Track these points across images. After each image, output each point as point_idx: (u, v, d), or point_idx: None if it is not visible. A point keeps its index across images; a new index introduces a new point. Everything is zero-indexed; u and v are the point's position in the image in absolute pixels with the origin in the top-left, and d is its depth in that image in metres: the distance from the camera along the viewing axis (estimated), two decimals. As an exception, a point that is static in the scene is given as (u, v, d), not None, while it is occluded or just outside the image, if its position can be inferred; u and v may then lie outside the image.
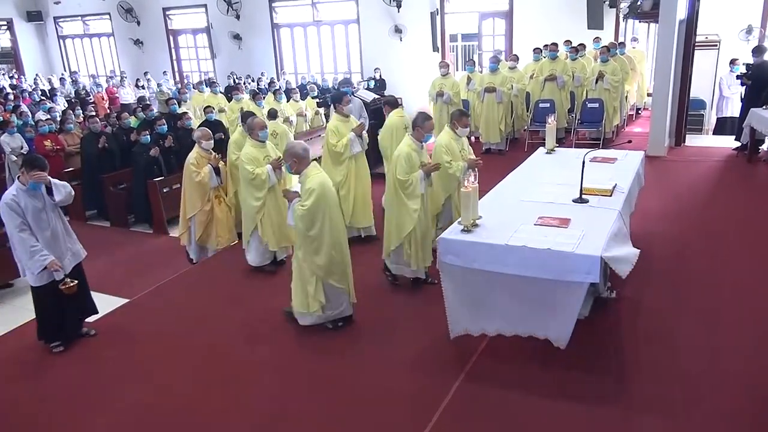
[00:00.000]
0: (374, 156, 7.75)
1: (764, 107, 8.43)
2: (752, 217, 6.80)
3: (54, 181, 4.75)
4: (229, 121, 11.01)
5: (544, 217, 4.38)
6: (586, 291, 3.95)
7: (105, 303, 5.66)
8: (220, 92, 12.70)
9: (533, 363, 4.28)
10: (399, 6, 13.99)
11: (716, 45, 11.34)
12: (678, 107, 9.82)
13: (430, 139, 5.49)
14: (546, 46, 10.62)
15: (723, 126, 11.04)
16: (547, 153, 6.33)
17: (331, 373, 4.47)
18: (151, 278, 6.32)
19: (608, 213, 4.46)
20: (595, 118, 10.00)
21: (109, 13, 18.40)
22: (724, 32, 11.75)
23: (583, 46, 11.04)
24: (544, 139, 6.54)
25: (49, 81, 17.18)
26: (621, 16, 12.43)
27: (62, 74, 18.44)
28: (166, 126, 8.66)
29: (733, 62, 10.62)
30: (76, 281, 4.76)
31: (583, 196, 4.71)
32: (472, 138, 11.24)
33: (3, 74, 18.02)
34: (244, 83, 14.32)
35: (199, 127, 9.18)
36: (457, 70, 14.49)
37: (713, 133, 11.30)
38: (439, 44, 13.95)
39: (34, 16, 19.39)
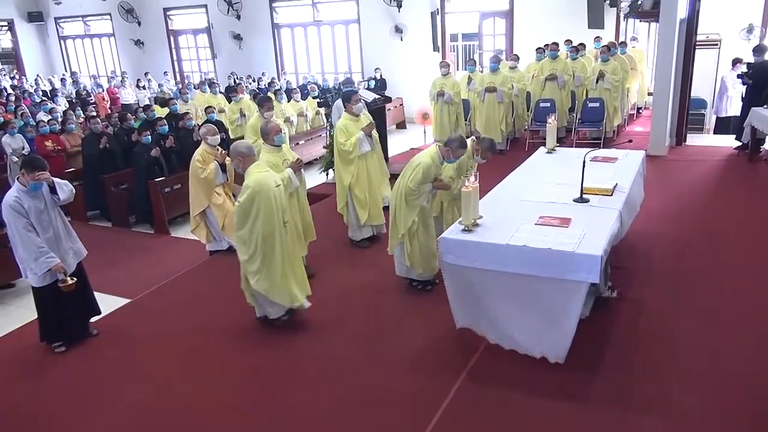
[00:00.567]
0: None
1: (765, 106, 8.42)
2: (753, 216, 6.80)
3: (56, 180, 4.76)
4: (229, 122, 11.04)
5: (545, 216, 4.39)
6: (586, 292, 3.96)
7: (106, 303, 5.66)
8: (220, 92, 12.71)
9: (534, 363, 4.28)
10: (399, 6, 13.98)
11: (717, 44, 11.33)
12: (679, 106, 9.81)
13: (453, 162, 5.34)
14: (547, 45, 10.61)
15: (724, 125, 11.03)
16: (547, 152, 6.33)
17: (332, 373, 4.47)
18: (152, 278, 6.33)
19: (609, 212, 4.46)
20: (595, 118, 10.00)
21: (109, 14, 18.40)
22: (725, 31, 11.73)
23: (583, 45, 11.03)
24: (545, 139, 6.54)
25: (50, 81, 17.19)
26: (621, 15, 12.42)
27: (63, 75, 18.45)
28: (167, 126, 8.67)
29: (735, 63, 10.59)
30: (75, 279, 4.77)
31: (584, 196, 4.71)
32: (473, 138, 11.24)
33: (4, 75, 18.02)
34: (245, 84, 14.30)
35: (200, 127, 9.23)
36: (457, 69, 14.49)
37: (714, 133, 11.29)
38: (439, 44, 13.94)
39: (35, 17, 19.40)
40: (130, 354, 4.98)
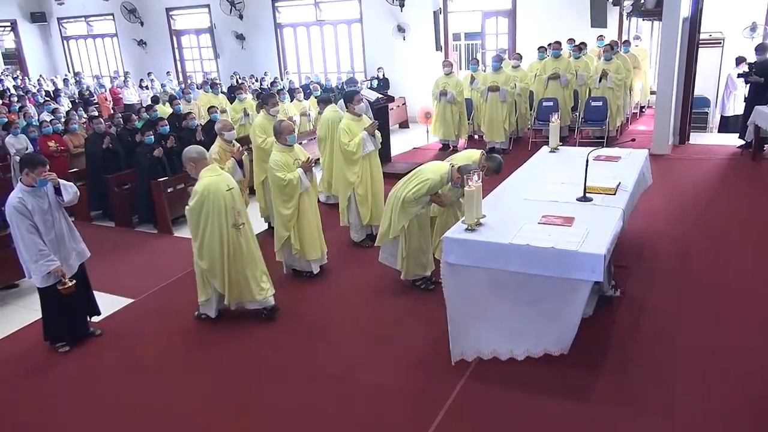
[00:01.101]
0: (379, 155, 7.73)
1: (769, 105, 8.41)
2: (756, 215, 6.78)
3: (62, 181, 4.77)
4: (232, 121, 11.02)
5: (548, 215, 4.38)
6: (590, 290, 3.95)
7: (109, 303, 5.68)
8: (222, 93, 12.71)
9: (537, 362, 4.28)
10: (402, 5, 13.97)
11: (720, 43, 11.31)
12: (682, 105, 9.79)
13: (458, 188, 5.25)
14: (550, 44, 10.60)
15: (727, 124, 10.99)
16: (550, 151, 6.32)
17: (334, 372, 4.48)
18: (155, 279, 6.33)
19: (612, 211, 4.45)
20: (598, 117, 9.99)
21: (112, 14, 18.41)
22: (728, 30, 11.71)
23: (585, 44, 11.01)
24: (548, 138, 6.53)
25: (53, 82, 17.22)
26: (624, 14, 12.39)
27: (66, 75, 18.48)
28: (168, 126, 8.66)
29: (740, 61, 10.55)
30: (74, 281, 4.76)
31: (587, 195, 4.70)
32: (476, 137, 11.26)
33: (7, 75, 18.06)
34: (248, 83, 14.30)
35: (203, 127, 9.23)
36: (460, 69, 14.48)
37: (719, 131, 11.26)
38: (442, 43, 13.93)
39: (38, 17, 19.43)
40: (132, 354, 4.99)
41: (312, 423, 3.98)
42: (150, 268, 6.82)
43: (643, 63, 12.16)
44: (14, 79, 17.81)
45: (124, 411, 4.24)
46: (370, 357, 4.64)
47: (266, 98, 7.58)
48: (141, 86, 15.67)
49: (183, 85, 15.07)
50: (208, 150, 6.77)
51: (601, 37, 11.61)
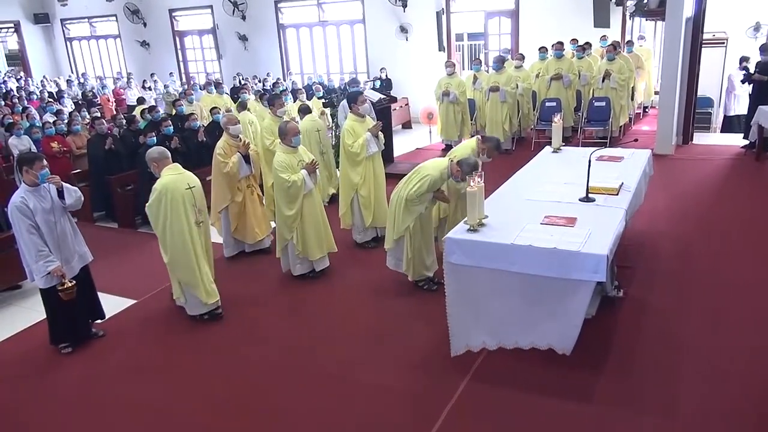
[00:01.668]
0: (382, 156, 7.72)
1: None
2: (760, 216, 6.76)
3: (66, 185, 4.80)
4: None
5: (551, 216, 4.37)
6: (592, 291, 3.94)
7: (112, 304, 5.69)
8: (226, 93, 12.72)
9: (540, 363, 4.27)
10: (405, 6, 13.97)
11: (724, 42, 11.28)
12: (685, 105, 9.76)
13: (458, 182, 5.26)
14: (553, 45, 10.57)
15: (732, 124, 10.97)
16: (553, 152, 6.31)
17: (336, 372, 4.47)
18: (157, 280, 6.32)
19: (615, 212, 4.43)
20: (601, 117, 9.97)
21: (115, 15, 18.46)
22: (732, 29, 11.67)
23: (589, 44, 10.99)
24: (551, 138, 6.51)
25: (56, 83, 17.26)
26: (628, 14, 12.37)
27: (69, 76, 18.53)
28: (171, 127, 8.67)
29: (742, 60, 10.53)
30: (75, 283, 4.75)
31: (590, 195, 4.69)
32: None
33: (10, 76, 18.11)
34: (251, 84, 14.32)
35: (205, 128, 9.23)
36: (463, 69, 14.47)
37: (722, 131, 11.23)
38: (445, 44, 13.92)
39: (41, 18, 19.49)
40: (135, 355, 4.99)
41: (314, 423, 3.97)
42: (152, 269, 6.80)
43: (647, 63, 12.13)
44: (17, 80, 17.86)
45: (126, 411, 4.24)
46: (372, 357, 4.64)
47: (273, 100, 7.57)
48: (144, 87, 15.70)
49: (186, 86, 15.09)
50: (212, 149, 6.80)
51: (604, 38, 11.59)
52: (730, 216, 6.82)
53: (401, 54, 14.44)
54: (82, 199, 4.94)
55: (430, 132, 11.45)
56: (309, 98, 11.92)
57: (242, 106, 9.45)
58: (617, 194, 4.76)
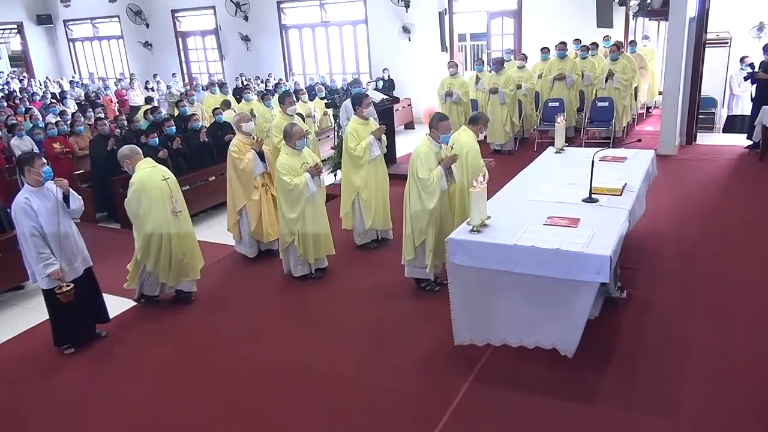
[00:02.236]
0: (384, 156, 7.70)
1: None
2: (764, 216, 6.73)
3: (72, 191, 4.84)
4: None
5: (554, 216, 4.35)
6: (596, 291, 3.92)
7: (114, 304, 5.69)
8: (229, 94, 12.71)
9: (542, 363, 4.25)
10: (407, 6, 13.96)
11: (727, 42, 11.24)
12: (689, 105, 9.74)
13: (448, 139, 5.36)
14: (556, 45, 10.55)
15: (733, 124, 10.94)
16: (556, 152, 6.29)
17: (339, 373, 4.46)
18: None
19: (618, 212, 4.42)
20: (605, 117, 9.95)
21: (118, 16, 18.48)
22: (735, 29, 11.64)
23: (595, 45, 10.97)
24: (554, 139, 6.50)
25: (59, 84, 17.28)
26: (631, 14, 12.34)
27: (72, 76, 18.55)
28: (174, 128, 8.67)
29: (743, 60, 10.51)
30: (73, 286, 4.73)
31: (593, 196, 4.67)
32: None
33: (13, 77, 18.14)
34: (253, 85, 14.32)
35: (208, 129, 9.23)
36: (466, 69, 14.45)
37: (723, 131, 11.20)
38: (447, 44, 13.91)
39: (44, 20, 19.51)
40: (138, 355, 4.99)
41: (315, 423, 3.97)
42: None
43: (650, 63, 12.10)
44: (20, 81, 17.90)
45: (127, 411, 4.24)
46: (374, 358, 4.63)
47: (283, 98, 7.54)
48: (147, 88, 15.71)
49: (188, 87, 15.10)
50: (216, 149, 6.77)
51: (607, 38, 11.56)
52: (734, 217, 6.80)
53: (404, 54, 14.43)
54: (83, 209, 4.99)
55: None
56: (311, 99, 11.92)
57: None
58: (620, 195, 4.75)
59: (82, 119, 10.45)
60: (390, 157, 7.28)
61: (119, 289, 5.85)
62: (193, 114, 9.74)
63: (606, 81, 9.94)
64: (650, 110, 12.72)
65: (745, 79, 9.56)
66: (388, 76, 14.18)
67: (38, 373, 4.82)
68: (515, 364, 4.33)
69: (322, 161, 6.66)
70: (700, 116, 10.18)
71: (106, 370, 4.81)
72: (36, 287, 4.79)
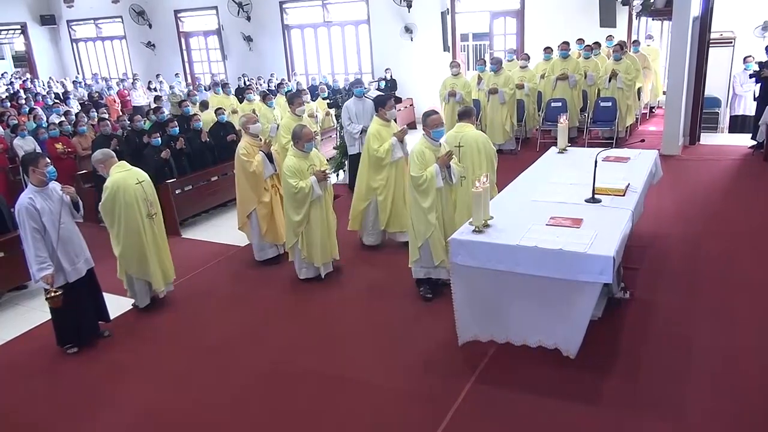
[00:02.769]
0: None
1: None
2: (767, 217, 6.70)
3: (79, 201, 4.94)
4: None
5: (556, 217, 4.34)
6: (599, 292, 3.91)
7: (117, 304, 5.71)
8: (232, 94, 12.72)
9: (545, 364, 4.24)
10: (409, 6, 13.95)
11: (731, 42, 11.21)
12: (692, 105, 9.71)
13: (441, 135, 5.32)
14: (559, 45, 10.53)
15: (737, 124, 10.90)
16: (559, 152, 6.27)
17: (343, 374, 4.46)
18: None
19: (621, 213, 4.41)
20: (608, 117, 9.92)
21: (121, 17, 18.50)
22: (739, 29, 11.60)
23: (597, 44, 10.94)
24: (556, 139, 6.48)
25: (62, 84, 17.31)
26: (634, 13, 12.32)
27: (76, 77, 18.58)
28: (177, 128, 8.67)
29: (746, 59, 10.47)
30: (61, 292, 4.71)
31: (596, 196, 4.66)
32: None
33: (17, 78, 18.18)
34: (256, 85, 14.32)
35: (210, 129, 9.23)
36: (468, 69, 14.44)
37: (727, 131, 11.17)
38: (450, 44, 13.89)
39: (48, 20, 19.55)
40: (140, 355, 5.00)
41: (318, 424, 3.96)
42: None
43: (654, 63, 12.06)
44: (24, 81, 17.94)
45: (130, 412, 4.24)
46: (377, 358, 4.62)
47: (292, 99, 7.50)
48: (149, 88, 15.72)
49: (191, 87, 15.11)
50: (218, 149, 6.72)
51: (610, 37, 11.54)
52: (738, 217, 6.77)
53: (406, 54, 14.42)
54: (80, 217, 5.06)
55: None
56: (314, 99, 11.92)
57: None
58: (624, 195, 4.73)
59: (86, 119, 10.45)
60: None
61: (120, 289, 5.86)
62: (195, 114, 9.73)
63: (609, 81, 9.92)
64: (653, 110, 12.69)
65: (751, 77, 9.52)
66: (391, 76, 14.18)
67: (41, 373, 4.83)
68: (518, 364, 4.32)
69: (327, 160, 6.62)
70: (703, 116, 10.15)
71: (108, 369, 4.81)
72: (39, 287, 4.81)
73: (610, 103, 9.88)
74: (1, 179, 9.11)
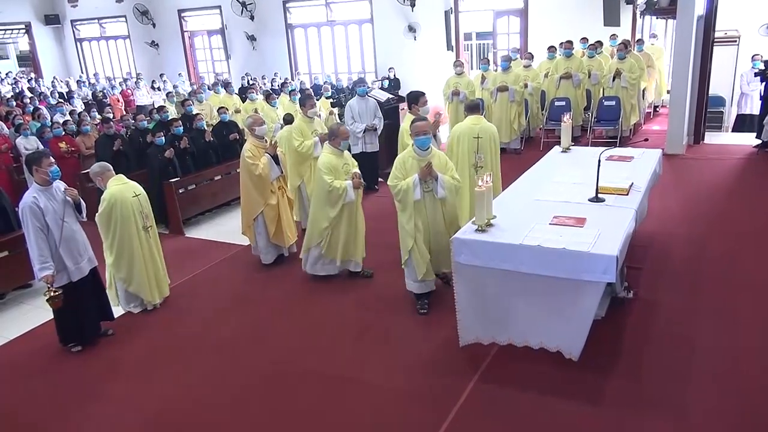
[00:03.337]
0: (388, 156, 7.68)
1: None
2: (773, 215, 6.68)
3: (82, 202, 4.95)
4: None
5: (560, 216, 4.33)
6: (602, 292, 3.90)
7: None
8: (235, 93, 12.72)
9: (547, 363, 4.23)
10: (413, 5, 13.94)
11: (736, 41, 11.17)
12: (697, 104, 9.68)
13: (425, 144, 4.98)
14: (562, 44, 10.51)
15: (742, 123, 10.86)
16: (562, 152, 6.26)
17: (344, 374, 4.46)
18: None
19: (625, 212, 4.39)
20: (611, 116, 9.89)
21: (125, 16, 18.56)
22: (744, 27, 11.56)
23: (600, 43, 10.91)
24: (560, 138, 6.47)
25: (67, 83, 17.36)
26: (638, 12, 12.28)
27: (80, 76, 18.63)
28: (181, 127, 8.68)
29: (754, 57, 10.43)
30: (60, 292, 4.72)
31: (599, 195, 4.65)
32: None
33: (22, 77, 18.24)
34: (259, 84, 14.34)
35: (213, 128, 9.24)
36: (471, 68, 14.42)
37: (732, 131, 11.13)
38: (453, 43, 13.89)
39: (52, 20, 19.62)
40: (143, 355, 5.00)
41: (320, 424, 3.96)
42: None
43: (658, 62, 12.02)
44: (28, 81, 17.99)
45: (131, 411, 4.25)
46: (379, 358, 4.62)
47: (304, 100, 7.43)
48: (153, 87, 15.75)
49: (195, 86, 15.12)
50: (221, 148, 6.67)
51: (614, 36, 11.51)
52: (742, 217, 6.75)
53: (409, 53, 14.42)
54: (83, 218, 5.07)
55: (438, 131, 11.39)
56: (317, 98, 11.91)
57: (287, 121, 9.43)
58: (627, 194, 4.72)
59: (89, 119, 10.48)
60: (394, 155, 7.21)
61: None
62: (198, 113, 9.74)
63: (613, 80, 9.89)
64: (657, 109, 12.65)
65: (756, 75, 9.49)
66: (394, 75, 14.17)
67: (44, 371, 4.84)
68: (520, 364, 4.31)
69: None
70: (708, 115, 10.11)
71: (111, 368, 4.82)
72: (43, 286, 4.82)
73: (613, 102, 9.85)
74: (5, 178, 9.13)
